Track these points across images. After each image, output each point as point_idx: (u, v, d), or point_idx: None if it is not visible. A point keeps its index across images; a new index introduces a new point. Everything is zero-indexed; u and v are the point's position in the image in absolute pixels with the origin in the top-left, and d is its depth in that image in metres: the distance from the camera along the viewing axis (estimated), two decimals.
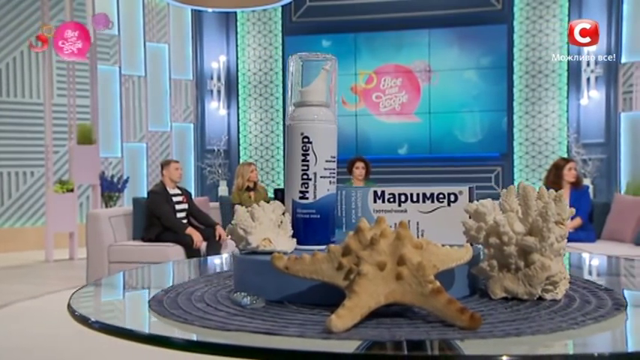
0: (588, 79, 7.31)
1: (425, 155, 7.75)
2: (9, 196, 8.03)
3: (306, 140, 0.95)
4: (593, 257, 1.45)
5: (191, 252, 5.16)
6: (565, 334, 0.68)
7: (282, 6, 7.63)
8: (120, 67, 7.74)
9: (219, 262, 1.44)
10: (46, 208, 7.03)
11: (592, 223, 5.13)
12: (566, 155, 7.28)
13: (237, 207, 0.92)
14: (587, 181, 6.95)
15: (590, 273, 1.23)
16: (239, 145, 8.39)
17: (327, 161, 0.96)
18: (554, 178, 5.15)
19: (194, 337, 0.72)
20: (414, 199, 0.98)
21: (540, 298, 0.82)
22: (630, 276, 1.18)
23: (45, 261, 6.83)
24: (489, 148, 7.62)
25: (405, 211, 0.98)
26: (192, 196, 5.79)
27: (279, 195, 1.15)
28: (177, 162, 5.58)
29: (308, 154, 0.95)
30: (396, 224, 0.92)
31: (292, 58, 0.98)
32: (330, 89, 0.98)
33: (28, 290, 5.13)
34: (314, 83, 0.96)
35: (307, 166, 0.95)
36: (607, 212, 5.27)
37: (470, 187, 0.96)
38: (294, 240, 0.94)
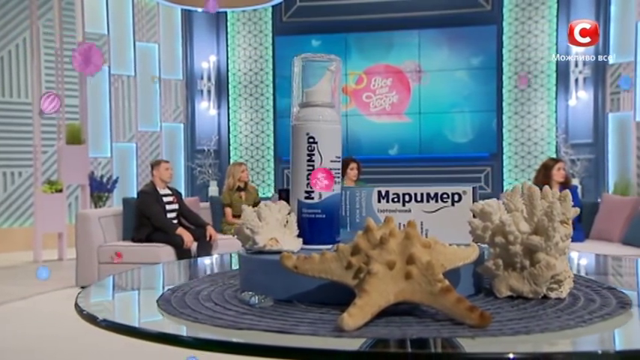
0: (576, 80, 7.37)
1: (415, 155, 7.78)
2: None
3: (311, 140, 0.95)
4: (582, 256, 1.47)
5: (181, 252, 5.15)
6: (573, 332, 0.69)
7: (273, 6, 7.63)
8: (109, 67, 7.69)
9: (217, 262, 1.44)
10: (35, 208, 6.97)
11: (580, 222, 5.17)
12: (554, 155, 7.33)
13: (244, 207, 0.93)
14: (575, 181, 7.00)
15: (578, 271, 1.24)
16: (229, 145, 8.37)
17: (332, 161, 0.96)
18: (543, 178, 5.19)
19: (207, 336, 0.72)
20: (418, 198, 0.99)
21: (545, 297, 0.83)
22: (618, 275, 1.20)
23: (33, 262, 6.77)
24: (479, 149, 7.66)
25: (409, 210, 0.99)
26: (183, 197, 5.78)
27: (284, 195, 1.15)
28: (167, 162, 5.56)
29: (313, 154, 0.95)
30: (401, 224, 0.92)
31: (297, 58, 0.99)
32: (334, 90, 0.98)
33: (18, 291, 5.10)
34: (319, 84, 0.96)
35: (312, 166, 0.95)
36: (595, 212, 5.32)
37: (474, 187, 0.97)
38: (300, 240, 0.94)
